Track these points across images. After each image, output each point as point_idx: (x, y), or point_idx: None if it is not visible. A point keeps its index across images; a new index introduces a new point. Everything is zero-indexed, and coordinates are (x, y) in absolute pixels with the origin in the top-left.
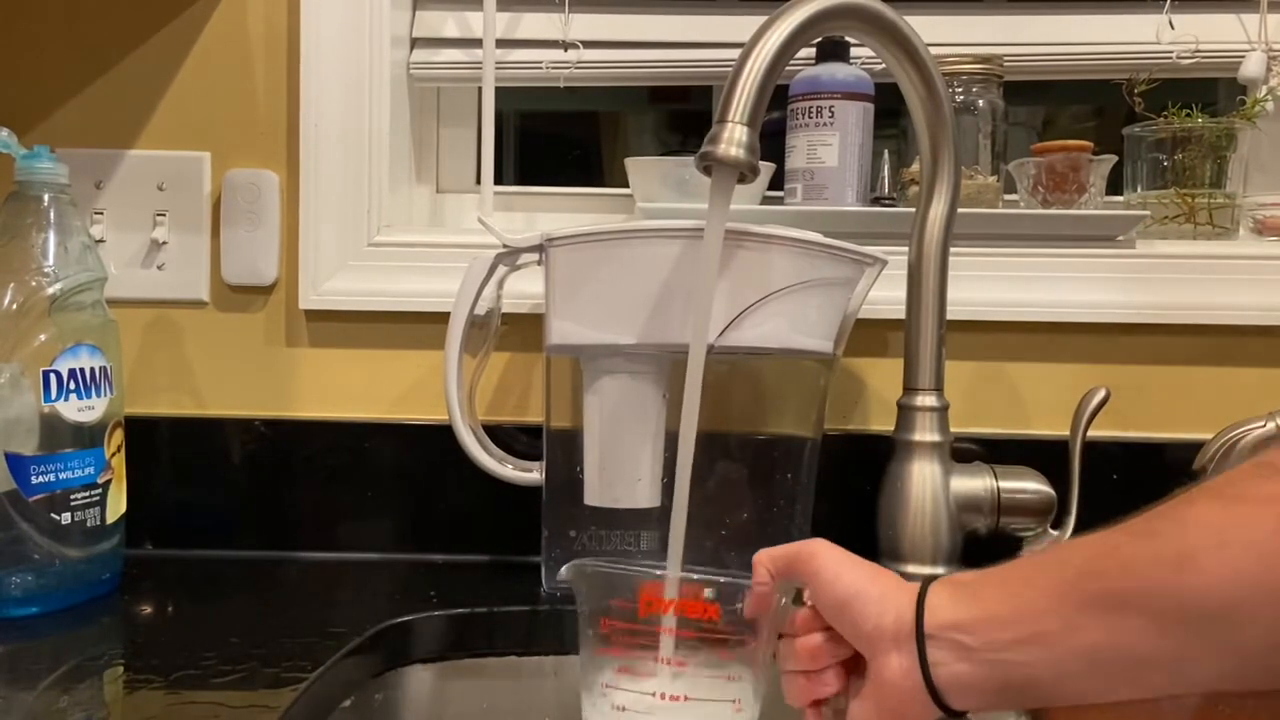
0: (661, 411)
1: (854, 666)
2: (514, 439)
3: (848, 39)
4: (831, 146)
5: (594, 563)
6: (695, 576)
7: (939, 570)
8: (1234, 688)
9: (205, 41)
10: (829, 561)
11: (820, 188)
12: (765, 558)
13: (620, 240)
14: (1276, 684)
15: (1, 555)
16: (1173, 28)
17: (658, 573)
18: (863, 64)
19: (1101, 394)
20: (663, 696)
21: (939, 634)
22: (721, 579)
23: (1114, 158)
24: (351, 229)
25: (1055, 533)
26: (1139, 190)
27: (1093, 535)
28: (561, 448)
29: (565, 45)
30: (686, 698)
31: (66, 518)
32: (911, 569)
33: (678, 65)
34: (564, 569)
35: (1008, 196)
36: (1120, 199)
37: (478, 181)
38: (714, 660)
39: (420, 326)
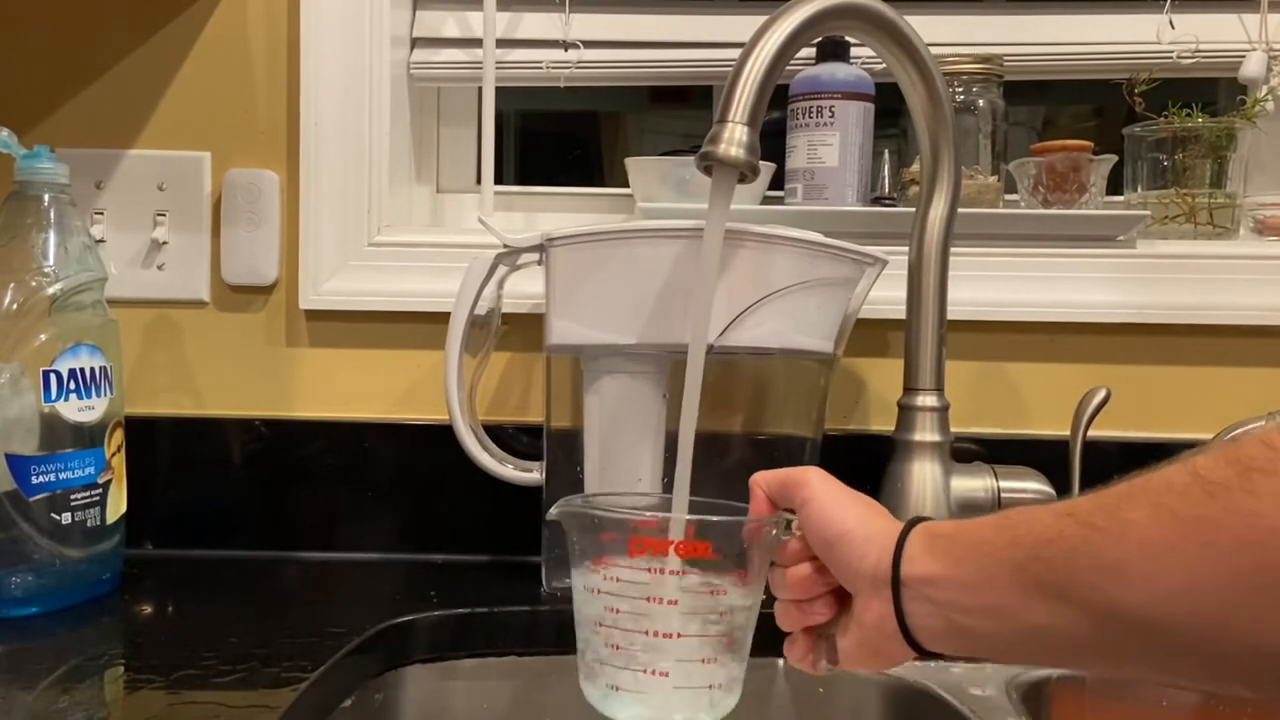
0: (661, 411)
1: (844, 595)
2: (514, 439)
3: (848, 39)
4: (832, 146)
5: (584, 502)
6: (684, 516)
7: None
8: (1168, 680)
9: (205, 41)
10: (817, 493)
11: (820, 188)
12: (762, 480)
13: (620, 240)
14: (1203, 684)
15: (2, 555)
16: (1173, 27)
17: (646, 514)
18: (863, 64)
19: (1102, 394)
20: (656, 634)
21: (912, 585)
22: (712, 518)
23: (1114, 158)
24: (351, 229)
25: None
26: (1139, 190)
27: (1051, 507)
28: (562, 447)
29: (565, 45)
30: (680, 635)
31: (67, 518)
32: None
33: (678, 65)
34: (553, 509)
35: (1008, 196)
36: (1120, 199)
37: (478, 181)
38: (706, 597)
39: (420, 326)
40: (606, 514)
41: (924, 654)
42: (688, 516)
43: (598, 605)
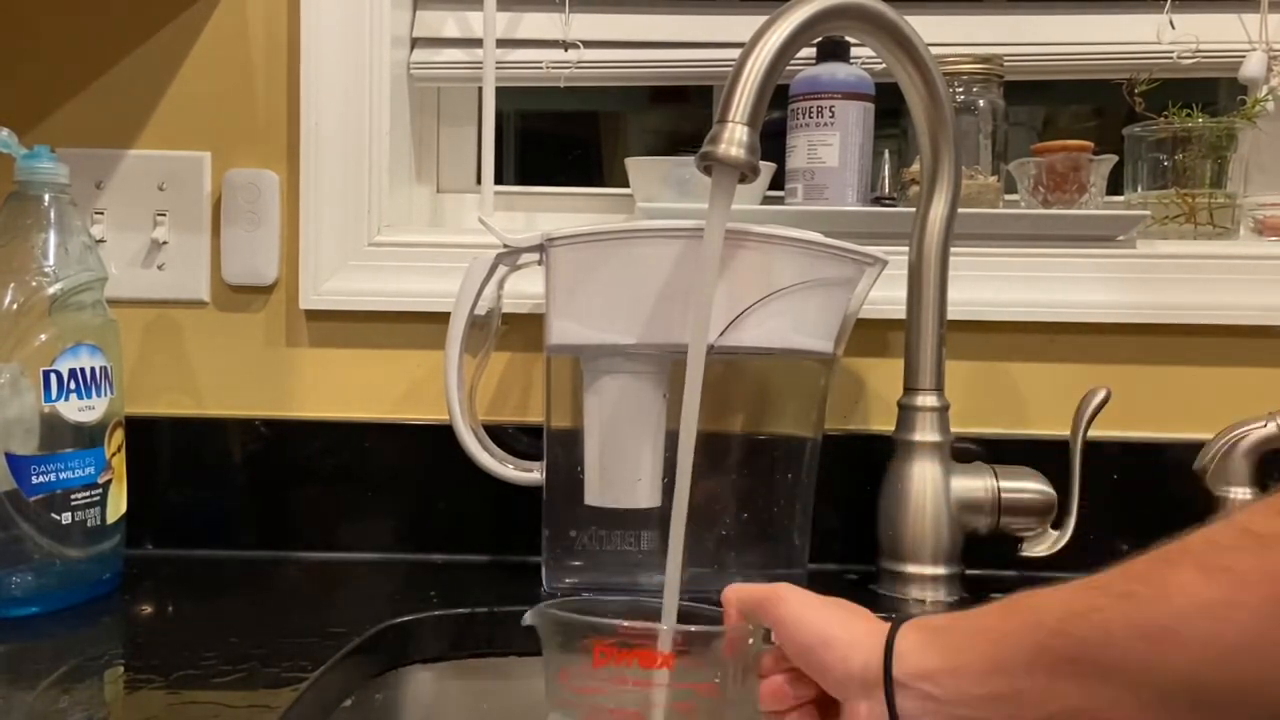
0: (661, 411)
1: (825, 706)
2: (514, 439)
3: (848, 39)
4: (832, 146)
5: (555, 609)
6: (676, 627)
7: (939, 570)
8: None
9: (205, 41)
10: (794, 607)
11: (820, 188)
12: (734, 596)
13: (621, 240)
14: None
15: (2, 555)
16: (1173, 28)
17: (615, 623)
18: (863, 64)
19: (1102, 394)
20: None
21: (908, 682)
22: (692, 628)
23: (1114, 158)
24: (352, 229)
25: (1055, 532)
26: (1139, 190)
27: (1068, 586)
28: (562, 448)
29: (565, 45)
30: None
31: (67, 518)
32: (912, 569)
33: (678, 65)
34: (527, 615)
35: (1008, 196)
36: (1120, 199)
37: (478, 181)
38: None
39: (420, 326)
40: (573, 619)
41: None
42: (676, 627)
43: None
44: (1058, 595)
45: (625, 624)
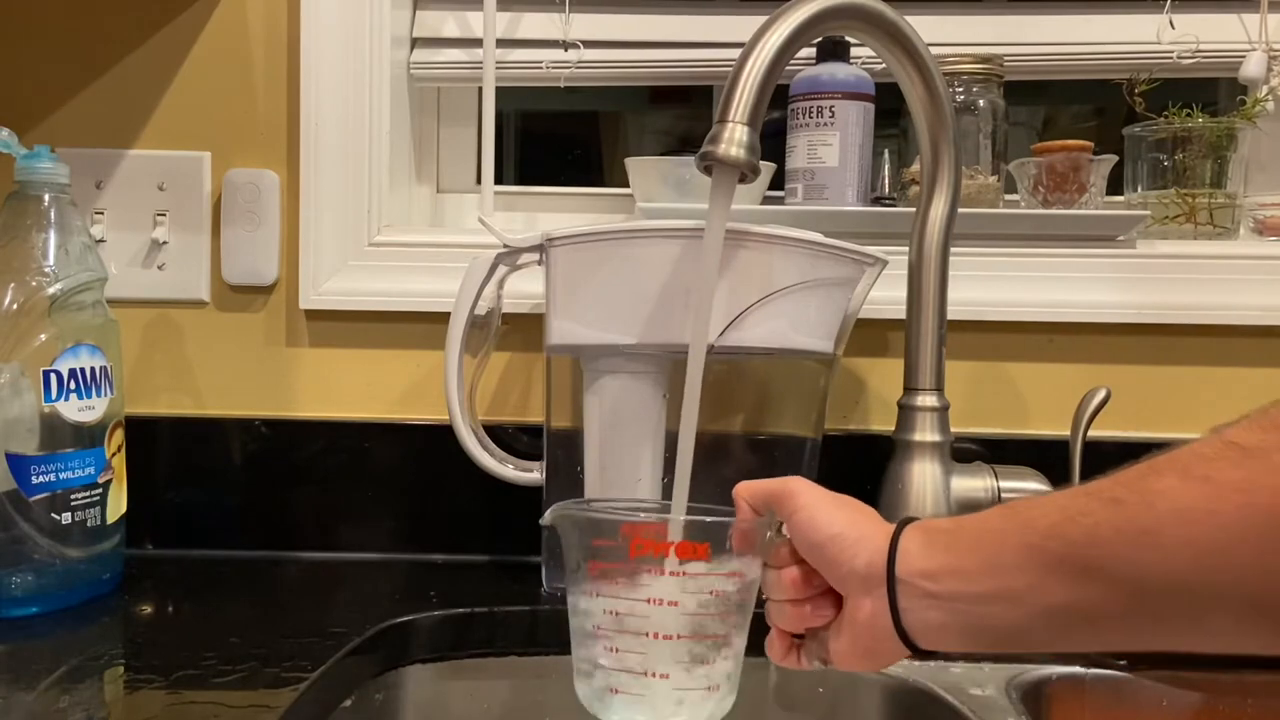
0: (661, 411)
1: (837, 597)
2: (514, 439)
3: (848, 39)
4: (832, 146)
5: (579, 506)
6: (683, 518)
7: None
8: (1190, 649)
9: (205, 41)
10: (806, 502)
11: (820, 188)
12: (745, 492)
13: (621, 240)
14: (1225, 639)
15: (2, 555)
16: (1173, 28)
17: (642, 515)
18: (863, 64)
19: (1102, 394)
20: (656, 636)
21: (909, 580)
22: (708, 519)
23: (1114, 158)
24: (351, 229)
25: None
26: (1139, 190)
27: (1060, 494)
28: (562, 448)
29: (565, 45)
30: (679, 636)
31: (67, 517)
32: None
33: (678, 65)
34: (547, 514)
35: (1008, 196)
36: (1120, 199)
37: (478, 181)
38: (706, 597)
39: (420, 326)
40: (604, 517)
41: (918, 653)
42: (685, 518)
43: (596, 608)
44: (1053, 500)
45: (643, 517)
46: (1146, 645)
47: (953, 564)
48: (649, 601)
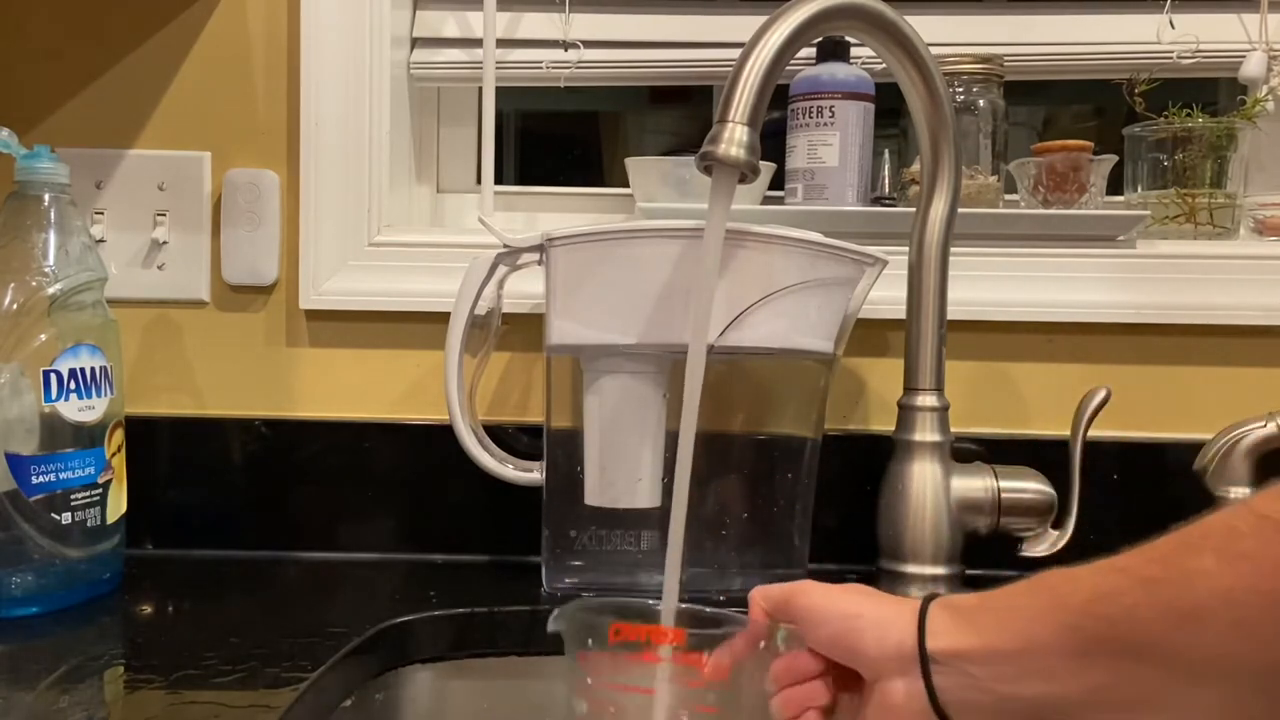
0: (661, 411)
1: (841, 684)
2: (514, 439)
3: (848, 39)
4: (832, 146)
5: (581, 607)
6: (689, 629)
7: (939, 570)
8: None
9: (205, 41)
10: (819, 597)
11: (820, 188)
12: (760, 596)
13: (621, 240)
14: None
15: (2, 555)
16: (1173, 27)
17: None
18: (863, 64)
19: (1102, 394)
20: None
21: (943, 660)
22: (716, 629)
23: (1114, 158)
24: (352, 229)
25: (1055, 532)
26: (1139, 190)
27: (1091, 568)
28: (562, 448)
29: (565, 45)
30: None
31: (67, 518)
32: (912, 569)
33: (678, 65)
34: (553, 619)
35: (1008, 196)
36: (1120, 199)
37: (478, 181)
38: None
39: (420, 326)
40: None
41: None
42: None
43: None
44: (1083, 575)
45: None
46: (1191, 719)
47: (986, 643)
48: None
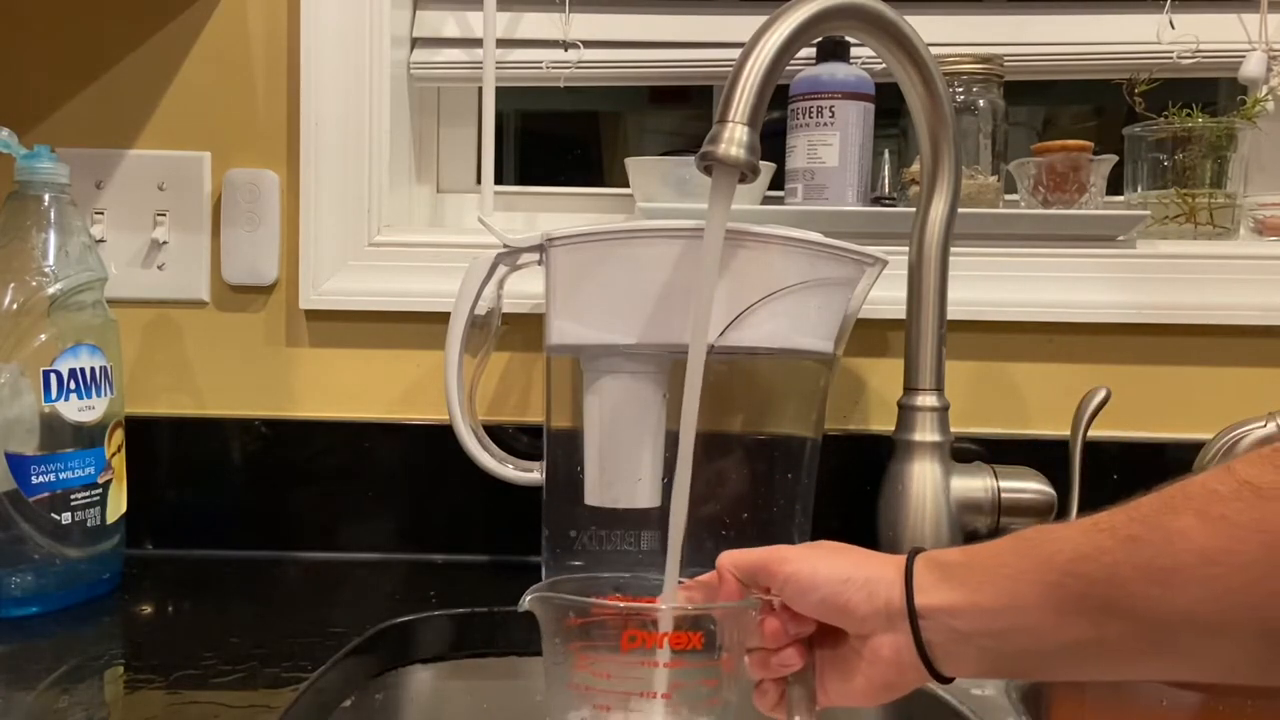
0: (661, 411)
1: (816, 642)
2: (514, 439)
3: (848, 39)
4: (832, 146)
5: (559, 593)
6: (684, 609)
7: None
8: (1203, 680)
9: (205, 41)
10: (801, 564)
11: (820, 188)
12: (729, 562)
13: (621, 240)
14: (1253, 681)
15: (2, 555)
16: (1173, 28)
17: (623, 604)
18: (863, 64)
19: (1102, 394)
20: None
21: (930, 615)
22: (706, 607)
23: (1114, 158)
24: (351, 229)
25: None
26: (1139, 190)
27: (1075, 526)
28: (562, 448)
29: (565, 45)
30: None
31: (67, 517)
32: None
33: (678, 65)
34: (527, 598)
35: (1008, 196)
36: (1120, 199)
37: (478, 181)
38: (699, 687)
39: (420, 326)
40: (597, 605)
41: (943, 680)
42: (685, 609)
43: (585, 704)
44: (1066, 535)
45: (623, 605)
46: (1163, 675)
47: (972, 600)
48: (641, 695)
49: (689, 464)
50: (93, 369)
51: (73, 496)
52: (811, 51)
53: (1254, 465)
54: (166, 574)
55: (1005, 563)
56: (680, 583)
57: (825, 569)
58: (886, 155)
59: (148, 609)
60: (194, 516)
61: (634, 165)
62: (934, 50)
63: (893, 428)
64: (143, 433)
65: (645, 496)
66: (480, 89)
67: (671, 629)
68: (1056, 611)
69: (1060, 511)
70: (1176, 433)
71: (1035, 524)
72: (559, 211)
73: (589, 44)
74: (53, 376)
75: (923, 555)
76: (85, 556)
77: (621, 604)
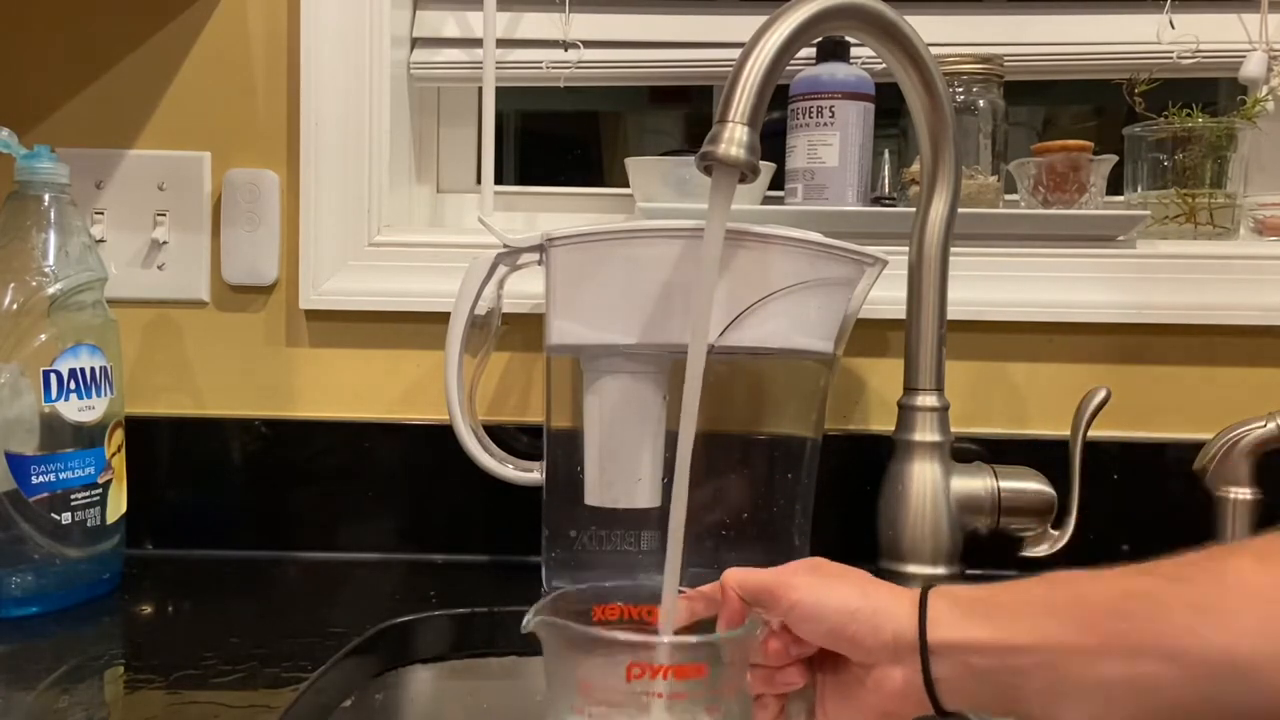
0: (662, 412)
1: (819, 665)
2: (514, 439)
3: (848, 39)
4: (832, 146)
5: (564, 608)
6: (682, 639)
7: (939, 570)
8: None
9: (205, 41)
10: (808, 593)
11: (820, 188)
12: (734, 582)
13: (621, 240)
14: None
15: (2, 555)
16: (1173, 27)
17: (637, 638)
18: (863, 64)
19: (1102, 394)
20: None
21: (944, 651)
22: (707, 638)
23: (1114, 158)
24: (351, 229)
25: (1055, 532)
26: (1139, 190)
27: (1116, 572)
28: (562, 448)
29: (565, 45)
30: None
31: (67, 517)
32: (912, 569)
33: (678, 65)
34: (532, 619)
35: (1008, 196)
36: (1120, 199)
37: (478, 181)
38: (700, 715)
39: (420, 326)
40: (596, 635)
41: (943, 714)
42: (688, 639)
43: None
44: (1104, 575)
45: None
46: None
47: (997, 636)
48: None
49: (687, 467)
50: (93, 369)
51: (73, 496)
52: (811, 51)
53: None
54: (166, 574)
55: (1035, 599)
56: (681, 591)
57: (832, 600)
58: (886, 155)
59: (148, 609)
60: (194, 516)
61: (634, 165)
62: (934, 50)
63: (893, 428)
64: (143, 433)
65: (645, 496)
66: (480, 89)
67: (677, 661)
68: (1095, 648)
69: (1060, 511)
70: (1176, 433)
71: (1035, 524)
72: (559, 211)
73: (589, 44)
74: (53, 376)
75: (937, 589)
76: (85, 556)
77: (626, 638)
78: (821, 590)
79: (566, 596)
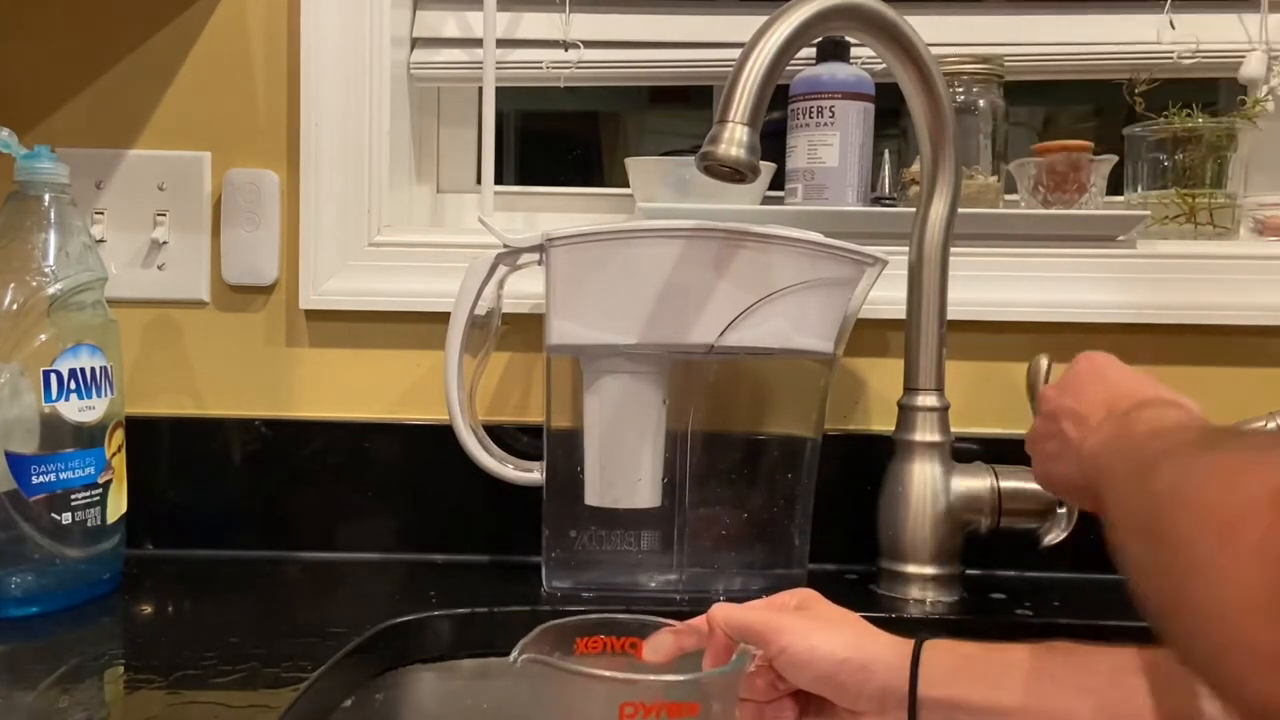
0: (662, 412)
1: (807, 700)
2: (514, 439)
3: (848, 39)
4: (832, 146)
5: (554, 649)
6: (674, 677)
7: (939, 570)
8: None
9: (205, 41)
10: (798, 638)
11: (821, 188)
12: (721, 619)
13: (621, 240)
14: None
15: (2, 555)
16: (1173, 28)
17: (635, 677)
18: (863, 64)
19: (1045, 361)
20: None
21: (933, 706)
22: (685, 679)
23: (1114, 158)
24: (352, 229)
25: (1062, 511)
26: (1139, 190)
27: (1109, 648)
28: (562, 448)
29: (566, 45)
30: None
31: (67, 518)
32: (911, 569)
33: (678, 65)
34: (519, 658)
35: (1008, 196)
36: (1121, 199)
37: (478, 181)
38: None
39: (420, 326)
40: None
41: None
42: (679, 680)
43: None
44: (1106, 649)
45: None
46: None
47: (989, 698)
48: None
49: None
50: (93, 369)
51: (73, 496)
52: (811, 51)
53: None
54: (166, 574)
55: (1041, 666)
56: (669, 625)
57: (822, 646)
58: (886, 155)
59: (148, 609)
60: (194, 516)
61: (634, 165)
62: (934, 50)
63: (893, 428)
64: (143, 433)
65: (645, 496)
66: (480, 89)
67: (672, 699)
68: (1090, 712)
69: (1060, 508)
70: None
71: (1035, 524)
72: (559, 211)
73: (589, 44)
74: (53, 376)
75: (931, 643)
76: (85, 557)
77: (621, 676)
78: (811, 636)
79: (548, 631)
